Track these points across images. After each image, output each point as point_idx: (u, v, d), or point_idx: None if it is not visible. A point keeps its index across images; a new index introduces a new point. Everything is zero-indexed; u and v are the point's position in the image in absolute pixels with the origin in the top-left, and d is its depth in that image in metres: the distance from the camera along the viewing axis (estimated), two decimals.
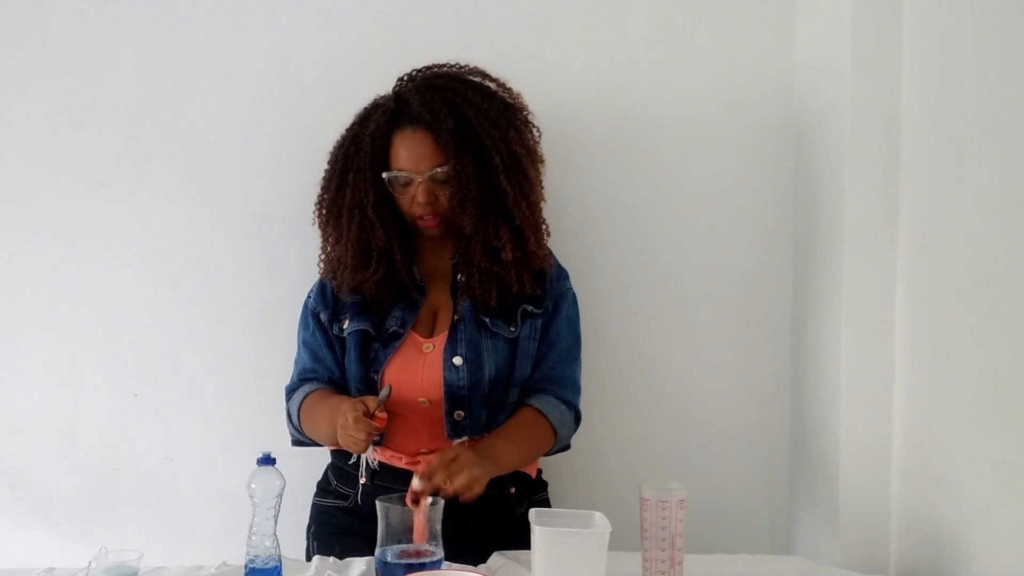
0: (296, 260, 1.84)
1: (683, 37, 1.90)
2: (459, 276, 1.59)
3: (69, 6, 1.85)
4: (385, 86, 1.64)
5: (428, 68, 1.61)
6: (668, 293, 1.92)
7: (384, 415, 1.42)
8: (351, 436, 1.39)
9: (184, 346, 1.87)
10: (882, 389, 1.66)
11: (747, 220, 1.92)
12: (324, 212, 1.61)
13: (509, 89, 1.62)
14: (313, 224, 1.64)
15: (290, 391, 1.64)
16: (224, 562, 1.40)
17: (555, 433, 1.59)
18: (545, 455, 1.64)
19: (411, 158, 1.53)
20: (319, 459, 1.68)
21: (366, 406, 1.41)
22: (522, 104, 1.62)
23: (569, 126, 1.68)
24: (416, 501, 1.28)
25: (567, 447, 1.67)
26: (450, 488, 1.33)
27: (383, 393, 1.44)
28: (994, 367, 1.39)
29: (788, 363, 1.93)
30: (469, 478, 1.34)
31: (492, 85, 1.60)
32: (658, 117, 1.90)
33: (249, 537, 1.24)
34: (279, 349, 1.75)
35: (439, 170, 1.52)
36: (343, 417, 1.40)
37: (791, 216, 1.91)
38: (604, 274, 1.87)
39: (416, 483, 1.29)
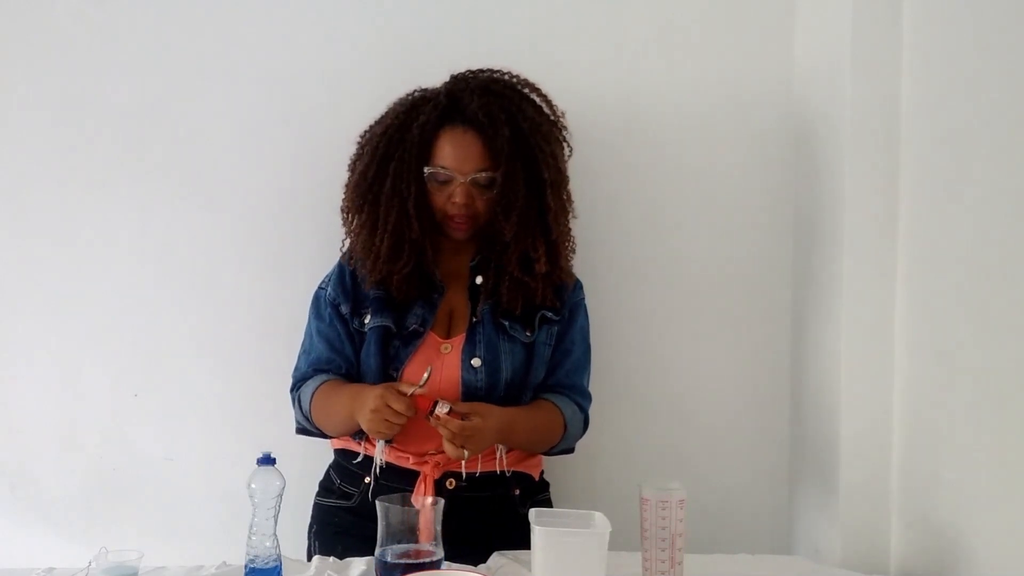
0: (297, 260, 1.84)
1: (683, 37, 1.91)
2: (478, 278, 1.60)
3: (69, 6, 1.85)
4: (386, 87, 1.64)
5: (483, 71, 1.61)
6: (668, 293, 1.92)
7: (425, 394, 1.43)
8: (386, 421, 1.39)
9: (184, 346, 1.87)
10: (882, 389, 1.67)
11: (747, 220, 1.92)
12: (358, 198, 1.59)
13: (554, 107, 1.63)
14: (338, 208, 1.63)
15: (300, 380, 1.63)
16: (224, 562, 1.40)
17: (565, 428, 1.59)
18: (548, 453, 1.64)
19: (457, 158, 1.53)
20: (321, 458, 1.68)
21: (402, 392, 1.41)
22: (563, 124, 1.64)
23: (568, 126, 1.68)
24: (432, 414, 1.40)
25: (571, 450, 1.67)
26: (444, 447, 1.41)
27: (425, 376, 1.44)
28: (994, 367, 1.39)
29: (788, 363, 1.93)
30: (459, 457, 1.42)
31: (536, 98, 1.61)
32: (658, 117, 1.90)
33: (249, 537, 1.24)
34: (279, 349, 1.75)
35: (482, 174, 1.53)
36: (377, 401, 1.40)
37: (791, 216, 1.92)
38: (603, 274, 1.87)
39: (441, 408, 1.39)
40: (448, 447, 1.41)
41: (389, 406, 1.39)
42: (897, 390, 1.66)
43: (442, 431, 1.40)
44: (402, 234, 1.54)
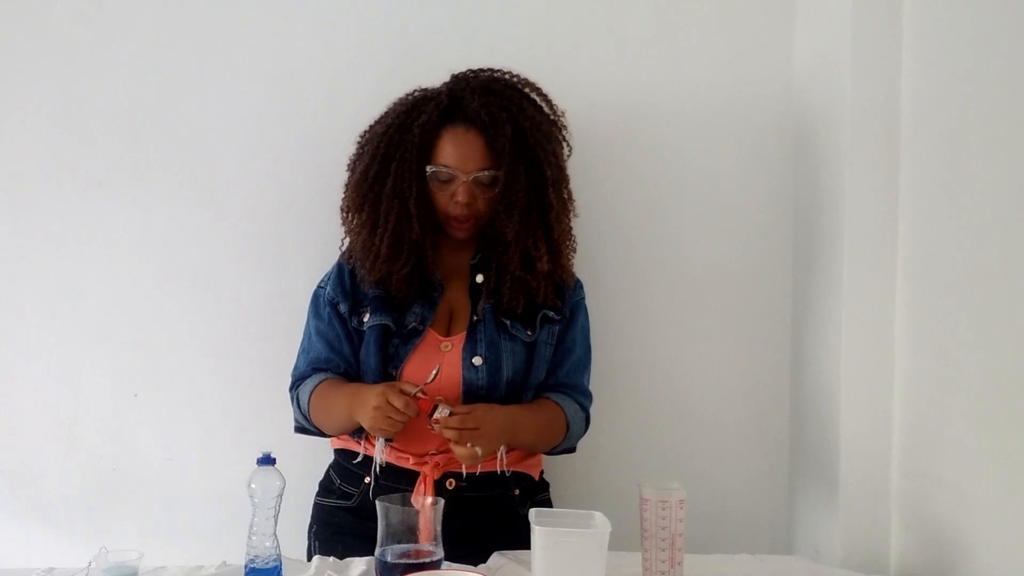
0: (296, 259, 1.84)
1: (682, 37, 1.91)
2: (479, 277, 1.60)
3: (69, 6, 1.85)
4: (386, 87, 1.64)
5: (483, 71, 1.61)
6: (668, 293, 1.92)
7: (427, 397, 1.43)
8: (389, 418, 1.39)
9: (184, 346, 1.87)
10: (882, 389, 1.67)
11: (747, 220, 1.92)
12: (358, 198, 1.58)
13: (554, 106, 1.63)
14: (338, 208, 1.63)
15: (299, 379, 1.63)
16: (224, 562, 1.40)
17: (567, 427, 1.59)
18: (551, 452, 1.64)
19: (459, 157, 1.53)
20: (321, 458, 1.68)
21: (405, 391, 1.41)
22: (563, 123, 1.64)
23: (568, 126, 1.68)
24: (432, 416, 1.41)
25: (572, 449, 1.67)
26: (454, 450, 1.41)
27: (433, 373, 1.45)
28: (993, 367, 1.39)
29: (788, 363, 1.93)
30: (471, 457, 1.40)
31: (536, 98, 1.61)
32: (658, 117, 1.90)
33: (249, 537, 1.24)
34: (279, 348, 1.75)
35: (484, 173, 1.53)
36: (378, 399, 1.40)
37: (791, 216, 1.92)
38: (603, 274, 1.87)
39: (441, 412, 1.39)
40: (458, 450, 1.41)
41: (391, 403, 1.39)
42: (897, 390, 1.66)
43: (447, 433, 1.40)
44: (402, 234, 1.54)
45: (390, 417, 1.40)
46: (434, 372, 1.45)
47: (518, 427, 1.52)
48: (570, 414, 1.60)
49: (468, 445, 1.40)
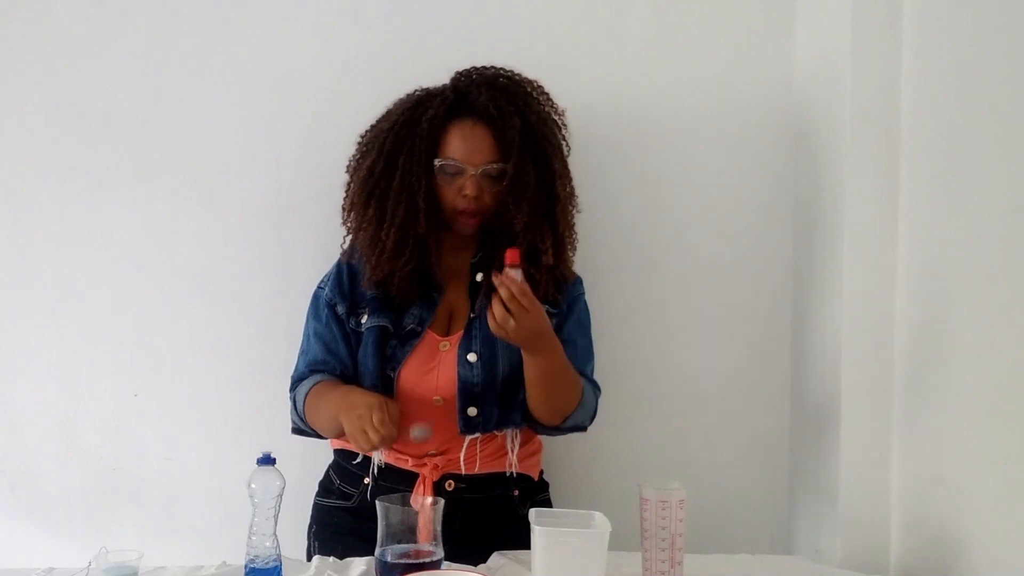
0: (297, 260, 1.84)
1: (683, 37, 1.91)
2: (479, 275, 1.60)
3: (69, 6, 1.85)
4: (386, 87, 1.64)
5: (487, 68, 1.61)
6: (668, 293, 1.92)
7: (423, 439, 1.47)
8: (364, 433, 1.36)
9: (184, 346, 1.87)
10: (882, 389, 1.67)
11: (747, 220, 1.92)
12: (364, 195, 1.57)
13: (555, 104, 1.63)
14: (338, 209, 1.63)
15: (297, 380, 1.62)
16: (224, 562, 1.40)
17: (583, 395, 1.56)
18: (560, 427, 1.58)
19: (467, 150, 1.53)
20: (321, 459, 1.68)
21: (390, 412, 1.39)
22: (564, 121, 1.64)
23: (568, 126, 1.68)
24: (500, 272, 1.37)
25: (584, 428, 1.62)
26: (494, 311, 1.36)
27: (421, 433, 1.45)
28: (994, 367, 1.39)
29: (788, 363, 1.93)
30: (502, 328, 1.37)
31: (538, 96, 1.61)
32: (657, 117, 1.90)
33: (249, 537, 1.24)
34: (279, 349, 1.75)
35: (492, 166, 1.53)
36: (365, 410, 1.38)
37: (791, 215, 1.92)
38: (603, 273, 1.87)
39: (518, 276, 1.36)
40: (497, 311, 1.36)
41: (371, 417, 1.37)
42: (897, 390, 1.66)
43: (502, 291, 1.35)
44: (408, 229, 1.54)
45: (364, 431, 1.36)
46: (420, 432, 1.45)
47: (556, 346, 1.48)
48: (583, 383, 1.58)
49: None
